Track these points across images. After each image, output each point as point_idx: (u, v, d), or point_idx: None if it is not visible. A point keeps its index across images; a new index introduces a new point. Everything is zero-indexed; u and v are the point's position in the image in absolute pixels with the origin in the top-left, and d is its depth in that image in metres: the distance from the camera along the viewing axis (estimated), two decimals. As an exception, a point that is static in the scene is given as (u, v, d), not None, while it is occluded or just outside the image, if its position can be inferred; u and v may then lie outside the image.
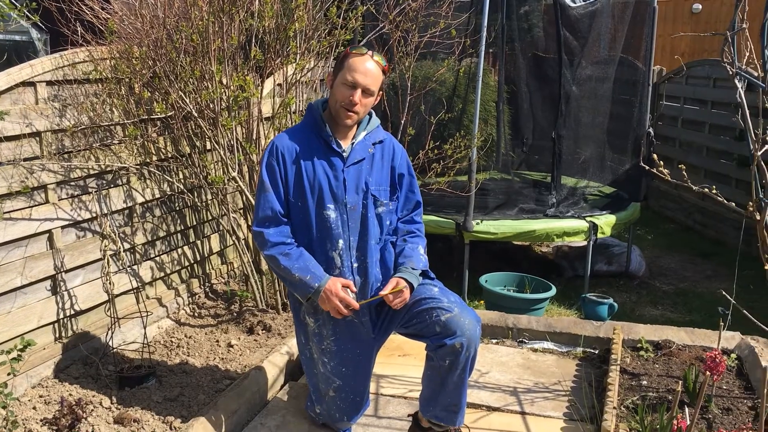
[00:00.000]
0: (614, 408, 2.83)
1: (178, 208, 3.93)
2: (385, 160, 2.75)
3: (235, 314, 3.97)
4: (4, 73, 2.89)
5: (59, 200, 3.16)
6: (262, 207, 2.66)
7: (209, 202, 4.15)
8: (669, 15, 9.43)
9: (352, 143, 2.68)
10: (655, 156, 3.04)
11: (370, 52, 2.59)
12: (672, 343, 3.56)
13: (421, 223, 2.87)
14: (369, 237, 2.68)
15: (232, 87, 3.63)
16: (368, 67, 2.56)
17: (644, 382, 3.20)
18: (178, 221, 3.95)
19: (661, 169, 2.86)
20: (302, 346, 2.86)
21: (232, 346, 3.60)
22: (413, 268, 2.67)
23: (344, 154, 2.66)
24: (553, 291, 4.48)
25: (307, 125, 2.71)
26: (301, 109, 4.11)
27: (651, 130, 5.34)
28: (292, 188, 2.65)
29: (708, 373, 2.79)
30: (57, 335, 3.20)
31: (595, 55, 5.29)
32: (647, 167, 3.07)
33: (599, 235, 4.91)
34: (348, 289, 2.60)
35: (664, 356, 3.47)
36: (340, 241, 2.65)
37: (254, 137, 3.91)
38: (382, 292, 2.61)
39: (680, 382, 2.99)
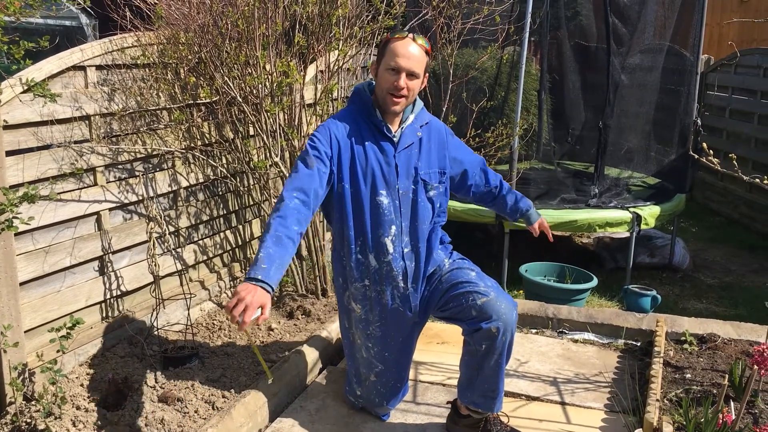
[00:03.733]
0: (657, 400, 2.79)
1: (220, 193, 3.98)
2: (432, 143, 2.73)
3: (275, 299, 4.01)
4: (55, 57, 2.94)
5: (107, 183, 3.22)
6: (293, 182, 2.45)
7: (251, 187, 4.19)
8: (717, 4, 9.20)
9: (401, 127, 2.66)
10: (704, 145, 2.97)
11: (411, 35, 2.55)
12: (717, 337, 3.49)
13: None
14: (420, 221, 2.68)
15: (275, 73, 3.65)
16: (411, 51, 2.52)
17: (688, 376, 3.15)
18: (221, 206, 4.00)
19: (710, 158, 2.80)
20: (345, 330, 2.88)
21: (272, 330, 3.64)
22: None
23: (395, 139, 2.64)
24: (595, 282, 4.42)
25: (355, 110, 2.68)
26: (342, 96, 4.12)
27: (698, 120, 5.22)
28: (346, 174, 2.61)
29: (755, 367, 2.72)
30: (104, 315, 3.28)
31: (644, 43, 5.18)
32: (696, 156, 3.01)
33: (643, 227, 4.83)
34: (260, 310, 2.08)
35: (709, 350, 3.41)
36: (393, 227, 2.64)
37: (296, 123, 3.93)
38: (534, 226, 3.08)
39: (726, 375, 2.93)
